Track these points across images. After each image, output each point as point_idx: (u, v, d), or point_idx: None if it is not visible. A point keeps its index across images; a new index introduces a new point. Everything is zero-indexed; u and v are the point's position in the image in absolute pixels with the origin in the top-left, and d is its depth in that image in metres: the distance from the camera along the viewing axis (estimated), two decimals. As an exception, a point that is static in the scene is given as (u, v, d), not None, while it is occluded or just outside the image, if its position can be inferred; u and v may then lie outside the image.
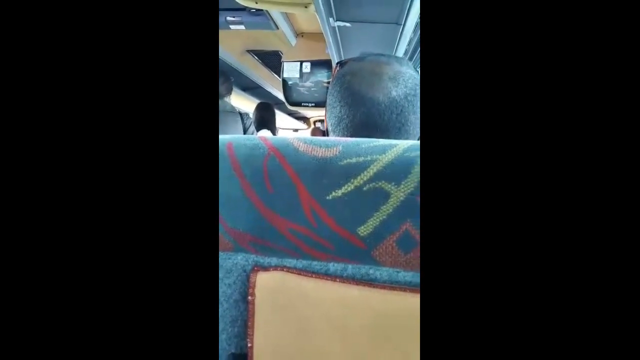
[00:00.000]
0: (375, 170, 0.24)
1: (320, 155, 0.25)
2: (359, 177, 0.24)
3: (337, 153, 0.24)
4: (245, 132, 1.31)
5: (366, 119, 0.36)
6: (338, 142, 0.25)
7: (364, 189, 0.23)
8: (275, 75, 1.80)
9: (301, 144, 0.25)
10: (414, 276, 0.25)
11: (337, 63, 0.43)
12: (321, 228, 0.24)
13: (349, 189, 0.24)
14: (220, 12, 1.07)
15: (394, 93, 0.36)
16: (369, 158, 0.24)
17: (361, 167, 0.24)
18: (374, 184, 0.23)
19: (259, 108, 1.72)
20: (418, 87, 0.38)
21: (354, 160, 0.24)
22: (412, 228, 0.23)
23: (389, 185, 0.23)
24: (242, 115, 1.29)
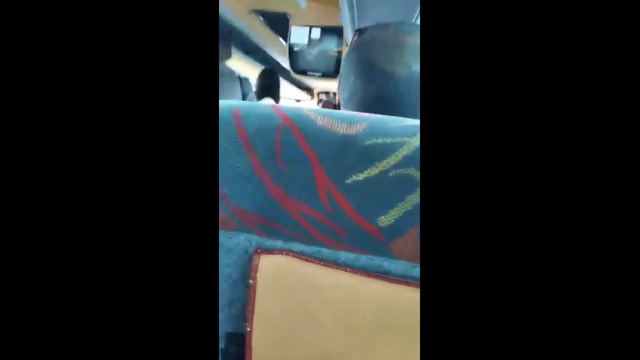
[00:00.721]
0: (404, 154, 0.21)
1: (341, 131, 0.21)
2: (384, 161, 0.21)
3: (362, 131, 0.21)
4: (244, 98, 1.24)
5: (382, 94, 0.33)
6: (363, 118, 0.22)
7: (390, 174, 0.21)
8: (281, 40, 1.70)
9: (319, 116, 0.22)
10: None
11: (356, 31, 0.40)
12: (337, 214, 0.22)
13: (373, 173, 0.21)
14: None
15: (415, 68, 0.33)
16: (397, 140, 0.21)
17: (388, 150, 0.21)
18: (401, 169, 0.21)
19: (262, 74, 1.64)
20: None
21: (380, 140, 0.21)
22: None
23: (419, 173, 0.20)
24: (242, 81, 1.23)
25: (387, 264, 0.24)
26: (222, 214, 0.25)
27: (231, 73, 1.23)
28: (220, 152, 0.23)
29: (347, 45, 1.26)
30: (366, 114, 0.23)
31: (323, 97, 3.27)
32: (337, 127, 0.22)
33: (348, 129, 0.22)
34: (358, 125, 0.22)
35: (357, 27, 1.01)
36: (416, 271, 0.24)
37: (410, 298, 0.23)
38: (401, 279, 0.24)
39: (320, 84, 2.95)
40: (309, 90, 3.27)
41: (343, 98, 0.37)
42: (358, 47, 0.36)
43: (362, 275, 0.24)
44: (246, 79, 1.26)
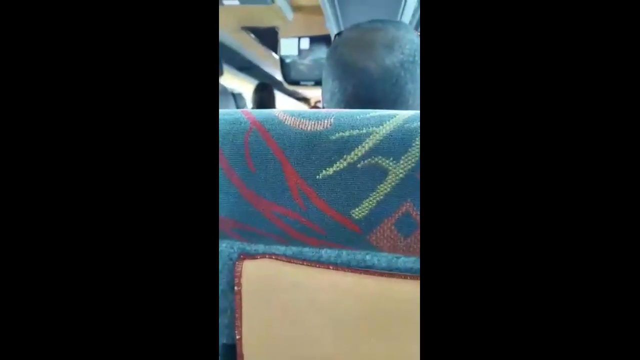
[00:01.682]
0: (371, 144, 0.21)
1: (309, 128, 0.22)
2: (352, 153, 0.21)
3: (329, 126, 0.22)
4: None
5: (358, 91, 0.34)
6: (330, 114, 0.22)
7: (359, 165, 0.21)
8: (273, 53, 1.74)
9: (288, 116, 0.22)
10: (415, 262, 0.23)
11: (336, 35, 0.40)
12: (311, 211, 0.22)
13: (342, 166, 0.21)
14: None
15: (387, 61, 0.33)
16: (364, 131, 0.21)
17: (355, 141, 0.21)
18: (369, 159, 0.21)
19: (257, 89, 1.67)
20: (418, 53, 0.34)
21: (347, 133, 0.21)
22: (412, 209, 0.21)
23: (387, 161, 0.20)
24: (235, 96, 1.25)
25: (369, 257, 0.24)
26: None
27: (224, 90, 1.26)
28: None
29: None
30: (334, 110, 0.23)
31: (319, 105, 3.29)
32: (305, 124, 0.22)
33: (316, 125, 0.22)
34: (325, 121, 0.22)
35: (342, 33, 1.03)
36: (400, 262, 0.23)
37: (396, 290, 0.23)
38: (385, 272, 0.23)
39: (316, 93, 2.98)
40: (305, 100, 3.31)
41: (325, 100, 0.38)
42: (333, 50, 0.37)
43: (345, 271, 0.23)
44: (240, 95, 1.29)
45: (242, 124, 0.22)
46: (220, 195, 0.23)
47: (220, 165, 0.22)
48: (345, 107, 0.34)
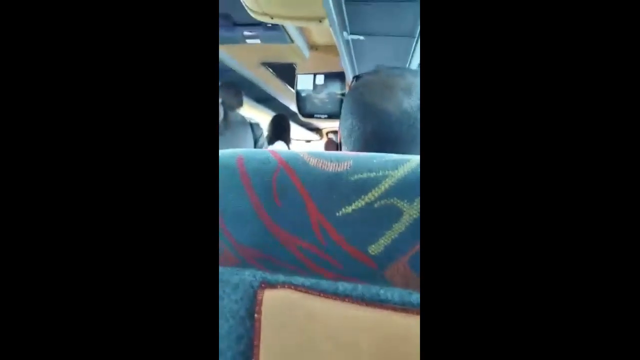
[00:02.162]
0: (387, 186, 0.23)
1: (330, 169, 0.24)
2: (370, 194, 0.23)
3: (348, 168, 0.24)
4: (255, 141, 1.32)
5: (377, 130, 0.36)
6: (349, 157, 0.25)
7: (375, 205, 0.23)
8: (289, 87, 1.83)
9: (311, 158, 0.25)
10: None
11: (353, 77, 0.44)
12: (330, 246, 0.24)
13: (360, 205, 0.23)
14: (237, 27, 1.10)
15: (405, 105, 0.36)
16: (380, 173, 0.23)
17: (372, 183, 0.23)
18: (385, 200, 0.22)
19: (274, 120, 1.74)
20: None
21: (364, 175, 0.23)
22: None
23: (402, 203, 0.22)
24: (253, 126, 1.31)
25: (383, 291, 0.25)
26: (227, 251, 0.27)
27: (243, 120, 1.32)
28: (226, 194, 0.25)
29: (349, 87, 1.34)
30: (353, 153, 0.26)
31: (332, 136, 3.38)
32: (327, 165, 0.24)
33: (336, 166, 0.24)
34: (345, 163, 0.24)
35: (356, 71, 1.08)
36: (413, 297, 0.24)
37: (408, 324, 0.23)
38: (398, 306, 0.24)
39: (328, 125, 3.07)
40: (317, 130, 3.40)
41: (343, 136, 0.40)
42: (353, 91, 0.40)
43: (360, 304, 0.24)
44: (257, 124, 1.35)
45: (271, 164, 0.25)
46: (248, 227, 0.25)
47: (250, 200, 0.25)
48: (363, 144, 0.37)
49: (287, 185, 0.24)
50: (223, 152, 0.27)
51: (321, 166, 0.24)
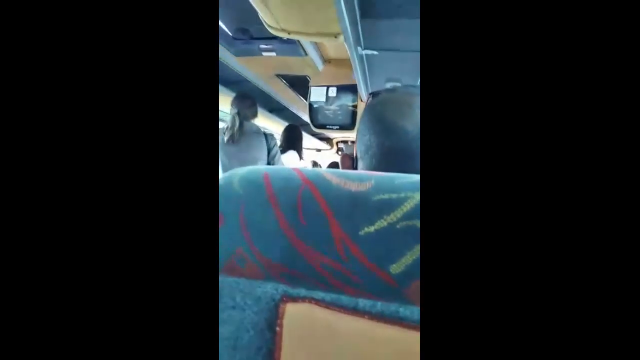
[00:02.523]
0: (408, 207, 0.23)
1: (353, 189, 0.25)
2: (392, 214, 0.23)
3: (370, 187, 0.25)
4: (269, 151, 1.35)
5: (395, 147, 0.37)
6: (370, 176, 0.25)
7: (397, 226, 0.23)
8: (302, 99, 1.86)
9: (334, 177, 0.26)
10: None
11: (370, 94, 0.44)
12: (352, 263, 0.24)
13: (382, 225, 0.24)
14: (253, 41, 1.14)
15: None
16: (402, 195, 0.24)
17: (394, 204, 0.24)
18: (407, 222, 0.23)
19: (286, 130, 1.78)
20: None
21: (386, 196, 0.24)
22: None
23: None
24: (267, 136, 1.35)
25: (402, 309, 0.25)
26: (253, 264, 0.27)
27: (258, 130, 1.36)
28: (254, 210, 0.26)
29: (361, 100, 1.36)
30: (374, 173, 0.26)
31: (342, 145, 3.40)
32: (349, 185, 0.25)
33: (359, 186, 0.25)
34: (367, 183, 0.25)
35: (368, 84, 1.11)
36: None
37: None
38: (417, 325, 0.25)
39: (339, 135, 3.09)
40: (328, 140, 3.43)
41: (360, 151, 0.41)
42: (371, 108, 0.41)
43: (379, 321, 0.25)
44: (271, 135, 1.38)
45: (295, 182, 0.26)
46: (273, 242, 0.26)
47: (277, 217, 0.26)
48: (381, 160, 0.38)
49: (311, 203, 0.25)
50: (249, 169, 0.28)
51: (344, 185, 0.25)
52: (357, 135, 0.42)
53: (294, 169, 0.27)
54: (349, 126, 1.40)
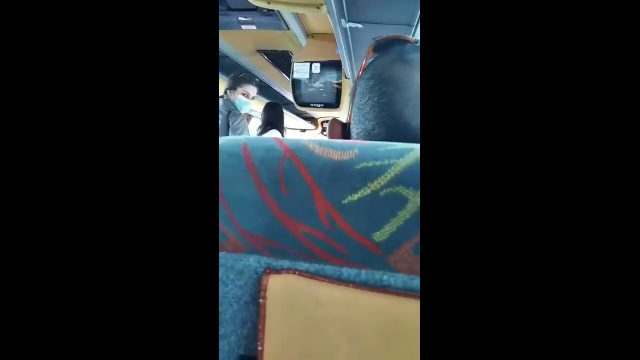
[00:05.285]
0: (392, 174, 0.23)
1: (336, 158, 0.24)
2: (375, 182, 0.23)
3: (354, 156, 0.24)
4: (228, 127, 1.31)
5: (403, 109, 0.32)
6: (354, 145, 0.25)
7: (381, 194, 0.23)
8: (285, 76, 1.81)
9: (317, 146, 0.25)
10: None
11: (375, 42, 0.37)
12: (336, 232, 0.24)
13: (366, 193, 0.23)
14: (232, 13, 1.08)
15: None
16: (386, 162, 0.23)
17: (378, 172, 0.23)
18: (391, 189, 0.23)
19: (267, 108, 1.72)
20: None
21: (370, 164, 0.24)
22: None
23: (407, 191, 0.23)
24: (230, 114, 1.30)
25: (387, 277, 0.25)
26: (235, 238, 0.27)
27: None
28: (232, 182, 0.26)
29: (346, 77, 1.33)
30: (358, 142, 0.26)
31: (327, 126, 3.37)
32: (332, 154, 0.24)
33: (342, 155, 0.24)
34: (350, 152, 0.24)
35: (353, 61, 1.08)
36: (415, 283, 0.25)
37: (410, 309, 0.24)
38: (401, 292, 0.25)
39: (323, 114, 3.05)
40: (313, 120, 3.39)
41: (356, 134, 0.36)
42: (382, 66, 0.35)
43: (364, 289, 0.25)
44: (249, 115, 1.34)
45: (277, 152, 0.25)
46: (255, 215, 0.25)
47: (257, 188, 0.25)
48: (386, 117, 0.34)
49: (293, 173, 0.24)
50: (227, 140, 0.27)
51: (327, 155, 0.24)
52: (353, 112, 0.37)
53: (275, 139, 0.26)
54: (333, 105, 1.38)
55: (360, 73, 0.36)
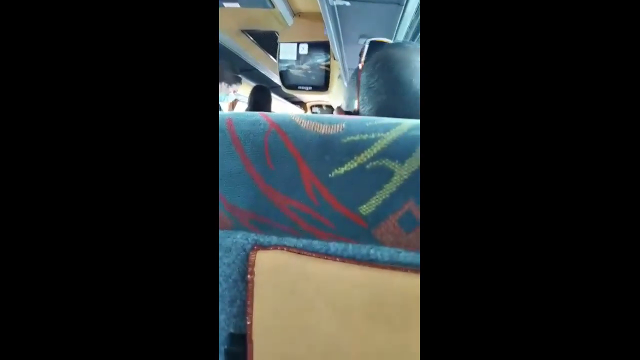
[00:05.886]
0: (379, 148, 0.23)
1: (323, 131, 0.24)
2: (362, 155, 0.23)
3: (341, 130, 0.24)
4: None
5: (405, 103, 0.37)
6: (342, 120, 0.25)
7: (367, 167, 0.23)
8: (272, 57, 1.75)
9: (303, 120, 0.25)
10: (415, 257, 0.25)
11: (369, 44, 0.42)
12: (322, 206, 0.24)
13: (352, 166, 0.23)
14: (214, -12, 1.03)
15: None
16: (372, 136, 0.23)
17: (364, 145, 0.23)
18: (377, 161, 0.23)
19: (254, 91, 1.68)
20: None
21: (357, 137, 0.23)
22: (414, 207, 0.23)
23: (393, 164, 0.23)
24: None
25: (373, 251, 0.26)
26: (221, 214, 0.26)
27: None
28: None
29: (334, 58, 1.30)
30: (345, 116, 0.25)
31: (316, 110, 3.33)
32: (319, 128, 0.24)
33: (329, 129, 0.24)
34: (337, 126, 0.24)
35: (341, 40, 1.05)
36: (401, 257, 0.25)
37: (397, 282, 0.25)
38: (388, 265, 0.25)
39: (312, 98, 3.01)
40: (301, 104, 3.34)
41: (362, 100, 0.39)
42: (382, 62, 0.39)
43: (352, 263, 0.25)
44: (235, 99, 1.31)
45: (262, 125, 0.24)
46: (241, 189, 0.25)
47: (242, 162, 0.24)
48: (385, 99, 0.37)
49: (279, 147, 0.24)
50: None
51: (313, 128, 0.24)
52: (361, 105, 0.40)
53: (260, 113, 0.26)
54: (322, 87, 1.35)
55: (361, 63, 0.41)
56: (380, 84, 0.38)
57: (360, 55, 0.40)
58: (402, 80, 0.37)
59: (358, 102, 0.41)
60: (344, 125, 0.24)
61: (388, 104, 0.37)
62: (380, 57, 0.39)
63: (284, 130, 0.24)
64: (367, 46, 0.41)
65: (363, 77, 0.39)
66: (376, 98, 0.38)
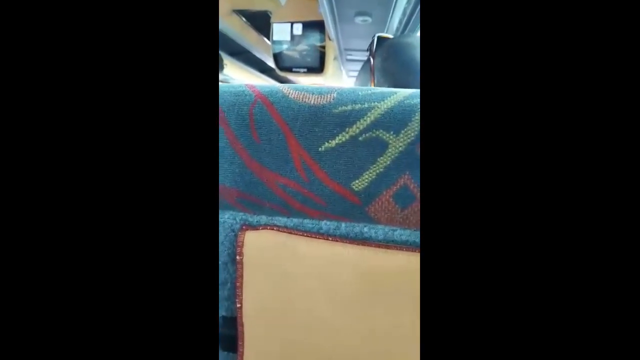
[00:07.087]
0: (372, 118, 0.21)
1: (312, 102, 0.22)
2: (354, 126, 0.22)
3: (332, 100, 0.22)
4: None
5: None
6: (333, 89, 0.23)
7: (360, 138, 0.22)
8: (266, 39, 1.70)
9: (291, 91, 0.23)
10: (410, 235, 0.24)
11: (377, 41, 0.49)
12: (313, 182, 0.23)
13: (344, 139, 0.22)
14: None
15: None
16: (366, 105, 0.22)
17: (357, 115, 0.22)
18: (370, 133, 0.21)
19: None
20: None
21: (349, 107, 0.22)
22: (410, 181, 0.22)
23: (388, 135, 0.21)
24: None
25: (367, 229, 0.25)
26: None
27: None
28: None
29: (329, 39, 1.26)
30: (336, 86, 0.24)
31: None
32: (308, 98, 0.22)
33: (319, 99, 0.22)
34: (328, 96, 0.22)
35: (336, 19, 1.01)
36: (396, 235, 0.24)
37: (391, 261, 0.24)
38: (382, 244, 0.24)
39: (308, 80, 2.95)
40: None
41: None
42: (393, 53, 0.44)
43: (344, 242, 0.24)
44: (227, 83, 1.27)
45: (247, 96, 0.23)
46: (225, 165, 0.23)
47: (226, 136, 0.23)
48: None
49: (265, 119, 0.22)
50: None
51: (302, 99, 0.22)
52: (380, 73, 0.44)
53: (246, 84, 0.24)
54: (317, 69, 1.32)
55: (373, 53, 0.45)
56: (395, 65, 0.42)
57: (370, 47, 0.45)
58: (415, 59, 0.41)
59: (373, 84, 0.45)
60: (335, 94, 0.22)
61: (403, 80, 0.40)
62: (392, 43, 0.45)
63: (271, 100, 0.22)
64: (376, 39, 0.46)
65: (377, 62, 0.44)
66: (392, 77, 0.42)
